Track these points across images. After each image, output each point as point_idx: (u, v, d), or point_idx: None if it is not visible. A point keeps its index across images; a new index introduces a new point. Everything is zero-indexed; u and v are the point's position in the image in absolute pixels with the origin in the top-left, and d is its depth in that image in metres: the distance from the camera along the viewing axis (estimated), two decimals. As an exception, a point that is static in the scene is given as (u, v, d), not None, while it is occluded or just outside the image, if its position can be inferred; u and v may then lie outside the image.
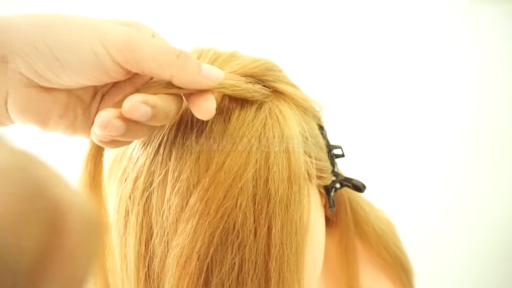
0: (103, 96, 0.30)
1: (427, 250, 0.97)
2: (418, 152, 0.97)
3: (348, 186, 0.39)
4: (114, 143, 0.28)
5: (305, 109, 0.36)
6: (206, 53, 0.35)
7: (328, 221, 0.46)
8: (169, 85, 0.27)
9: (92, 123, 0.28)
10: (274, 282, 0.29)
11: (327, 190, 0.37)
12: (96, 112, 0.29)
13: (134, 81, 0.30)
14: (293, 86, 0.37)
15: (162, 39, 0.28)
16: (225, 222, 0.28)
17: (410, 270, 0.50)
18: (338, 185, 0.38)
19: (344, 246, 0.46)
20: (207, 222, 0.28)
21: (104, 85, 0.30)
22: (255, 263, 0.29)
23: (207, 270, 0.28)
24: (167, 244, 0.29)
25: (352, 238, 0.46)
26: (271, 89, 0.34)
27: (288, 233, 0.30)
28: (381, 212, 0.53)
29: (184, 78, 0.26)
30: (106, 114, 0.25)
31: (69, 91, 0.28)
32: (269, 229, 0.29)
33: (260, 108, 0.32)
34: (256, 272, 0.29)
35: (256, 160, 0.30)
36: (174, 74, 0.26)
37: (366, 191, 0.38)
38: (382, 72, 0.95)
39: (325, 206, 0.39)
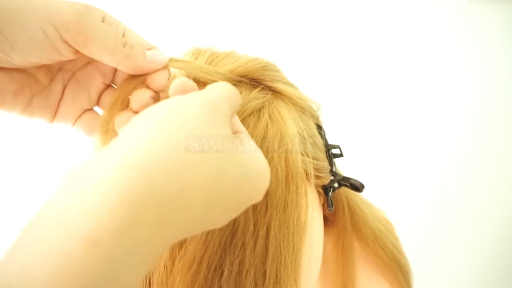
0: (69, 81, 0.32)
1: (426, 250, 0.97)
2: (417, 152, 0.97)
3: (346, 186, 0.38)
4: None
5: (303, 109, 0.36)
6: (203, 53, 0.35)
7: (326, 221, 0.46)
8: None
9: (53, 106, 0.31)
10: (271, 282, 0.29)
11: (325, 189, 0.37)
12: (61, 97, 0.31)
13: (98, 67, 0.32)
14: (291, 85, 0.37)
15: (112, 23, 0.29)
16: (232, 226, 0.29)
17: (408, 270, 0.50)
18: (336, 185, 0.38)
19: (341, 246, 0.45)
20: (217, 230, 0.28)
21: (65, 70, 0.31)
22: (254, 263, 0.29)
23: (214, 273, 0.29)
24: (176, 253, 0.29)
25: (349, 237, 0.45)
26: (267, 89, 0.34)
27: (285, 233, 0.30)
28: (380, 212, 0.53)
29: (130, 65, 0.28)
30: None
31: (23, 71, 0.29)
32: (268, 230, 0.29)
33: (260, 111, 0.32)
34: (254, 272, 0.29)
35: None
36: (121, 61, 0.28)
37: (364, 190, 0.38)
38: (381, 72, 0.95)
39: (323, 206, 0.39)
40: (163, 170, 0.19)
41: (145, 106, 0.28)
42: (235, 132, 0.26)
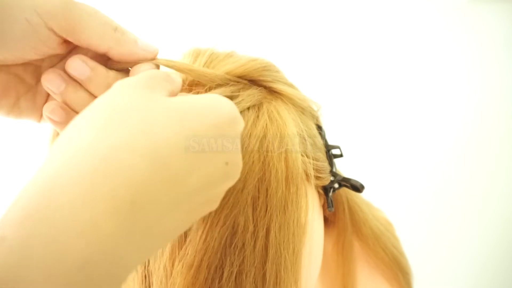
0: None
1: (426, 251, 0.97)
2: (417, 152, 0.97)
3: (347, 186, 0.38)
4: (61, 115, 0.28)
5: (302, 109, 0.36)
6: (203, 53, 0.35)
7: (326, 221, 0.46)
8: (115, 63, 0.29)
9: (39, 107, 0.30)
10: (271, 283, 0.29)
11: (326, 190, 0.37)
12: (47, 98, 0.30)
13: None
14: (291, 86, 0.37)
15: (97, 10, 0.28)
16: (232, 227, 0.29)
17: (408, 270, 0.50)
18: (336, 185, 0.38)
19: (341, 246, 0.45)
20: (217, 231, 0.28)
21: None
22: (254, 264, 0.29)
23: (214, 274, 0.29)
24: (175, 254, 0.29)
25: (349, 238, 0.45)
26: (267, 89, 0.34)
27: (285, 234, 0.30)
28: (380, 212, 0.53)
29: (121, 50, 0.27)
30: (51, 71, 0.27)
31: (7, 70, 0.28)
32: (268, 231, 0.29)
33: (259, 111, 0.32)
34: (254, 273, 0.29)
35: (258, 163, 0.29)
36: (112, 46, 0.27)
37: (364, 191, 0.38)
38: (381, 72, 0.95)
39: (323, 206, 0.39)
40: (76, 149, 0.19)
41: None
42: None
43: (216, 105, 0.23)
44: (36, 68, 0.30)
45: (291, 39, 0.94)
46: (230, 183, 0.24)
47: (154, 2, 0.93)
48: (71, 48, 0.28)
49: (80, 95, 0.28)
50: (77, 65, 0.27)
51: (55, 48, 0.27)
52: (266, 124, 0.31)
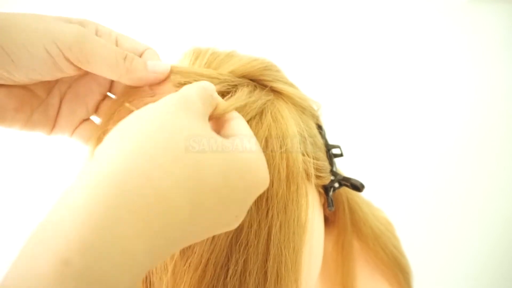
0: (65, 93, 0.32)
1: (426, 251, 0.97)
2: (418, 152, 0.97)
3: (347, 186, 0.39)
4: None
5: (303, 109, 0.36)
6: (204, 53, 0.35)
7: (327, 221, 0.46)
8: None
9: (51, 118, 0.31)
10: (272, 281, 0.29)
11: (326, 189, 0.37)
12: (59, 109, 0.32)
13: (94, 77, 0.33)
14: (291, 85, 0.37)
15: (105, 32, 0.30)
16: (237, 227, 0.29)
17: (408, 270, 0.50)
18: (336, 185, 0.38)
19: (341, 246, 0.45)
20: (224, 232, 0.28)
21: (62, 82, 0.32)
22: (256, 262, 0.29)
23: (220, 272, 0.29)
24: (180, 255, 0.29)
25: (349, 237, 0.46)
26: (270, 90, 0.34)
27: (286, 232, 0.30)
28: (380, 212, 0.53)
29: (132, 78, 0.29)
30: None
31: (23, 87, 0.30)
32: (269, 229, 0.29)
33: (262, 112, 0.32)
34: (256, 271, 0.29)
35: None
36: (123, 75, 0.29)
37: (365, 190, 0.38)
38: (381, 71, 0.95)
39: (323, 206, 0.39)
40: (134, 182, 0.19)
41: None
42: (230, 136, 0.26)
43: (258, 167, 0.25)
44: (47, 83, 0.31)
45: (291, 38, 0.94)
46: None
47: (154, 2, 0.93)
48: (84, 72, 0.29)
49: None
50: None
51: (70, 73, 0.28)
52: (270, 124, 0.31)
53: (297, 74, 0.44)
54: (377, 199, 0.55)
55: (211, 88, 0.27)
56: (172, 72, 0.30)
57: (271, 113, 0.32)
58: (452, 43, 0.94)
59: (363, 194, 0.48)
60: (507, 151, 0.96)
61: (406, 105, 0.96)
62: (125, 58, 0.28)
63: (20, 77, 0.27)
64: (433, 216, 0.99)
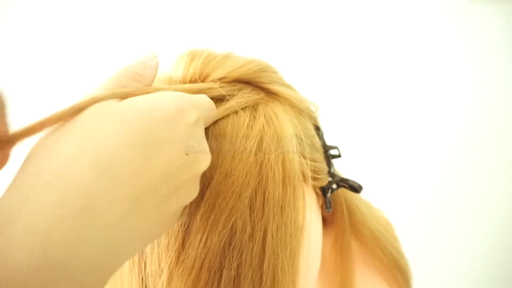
0: None
1: (426, 251, 0.97)
2: (417, 152, 0.97)
3: (345, 187, 0.38)
4: None
5: (300, 110, 0.36)
6: (200, 55, 0.35)
7: (325, 222, 0.46)
8: None
9: None
10: (267, 284, 0.29)
11: (324, 191, 0.37)
12: None
13: None
14: (288, 87, 0.37)
15: None
16: (230, 229, 0.29)
17: (408, 272, 0.50)
18: (334, 186, 0.38)
19: (340, 247, 0.45)
20: (217, 235, 0.28)
21: None
22: (251, 266, 0.29)
23: (214, 276, 0.29)
24: (175, 259, 0.29)
25: (348, 238, 0.45)
26: (264, 91, 0.34)
27: (282, 235, 0.30)
28: (379, 212, 0.53)
29: None
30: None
31: None
32: (265, 233, 0.29)
33: (256, 112, 0.32)
34: (252, 275, 0.29)
35: (255, 165, 0.29)
36: None
37: (364, 191, 0.38)
38: (380, 72, 0.95)
39: (321, 207, 0.39)
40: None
41: None
42: None
43: (156, 101, 0.24)
44: None
45: (289, 40, 0.94)
46: (200, 169, 0.25)
47: (153, 3, 0.93)
48: None
49: None
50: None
51: None
52: (263, 126, 0.31)
53: (294, 75, 0.43)
54: (376, 199, 0.55)
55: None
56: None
57: (264, 115, 0.32)
58: (452, 43, 0.93)
59: (362, 194, 0.48)
60: (507, 151, 0.96)
61: (405, 105, 0.96)
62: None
63: None
64: (433, 216, 0.99)
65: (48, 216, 0.18)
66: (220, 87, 0.31)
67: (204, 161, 0.26)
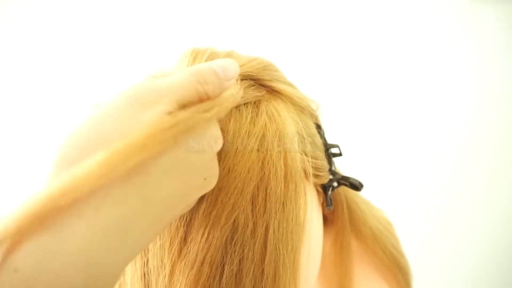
0: None
1: (426, 251, 0.97)
2: (417, 151, 0.97)
3: (346, 185, 0.39)
4: None
5: (302, 108, 0.36)
6: (202, 53, 0.35)
7: (326, 220, 0.46)
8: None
9: None
10: (269, 280, 0.29)
11: (325, 188, 0.37)
12: None
13: None
14: (290, 85, 0.37)
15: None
16: (232, 224, 0.29)
17: (408, 271, 0.50)
18: (335, 184, 0.38)
19: (339, 245, 0.45)
20: (219, 230, 0.28)
21: None
22: (253, 262, 0.29)
23: (216, 271, 0.29)
24: (177, 254, 0.29)
25: (348, 237, 0.45)
26: (267, 89, 0.34)
27: (284, 232, 0.30)
28: (380, 212, 0.53)
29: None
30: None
31: None
32: (266, 229, 0.29)
33: (258, 110, 0.32)
34: (253, 270, 0.29)
35: (257, 161, 0.30)
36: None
37: (364, 190, 0.38)
38: (380, 71, 0.95)
39: (322, 205, 0.39)
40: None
41: None
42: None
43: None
44: None
45: (290, 38, 0.95)
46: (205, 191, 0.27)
47: (154, 2, 0.93)
48: None
49: None
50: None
51: None
52: (266, 123, 0.31)
53: (296, 73, 0.44)
54: (376, 198, 0.55)
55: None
56: None
57: (266, 112, 0.32)
58: (452, 43, 0.94)
59: (362, 193, 0.48)
60: (507, 151, 0.96)
61: (406, 104, 0.96)
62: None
63: None
64: (433, 216, 0.99)
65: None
66: None
67: (212, 184, 0.28)
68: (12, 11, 0.88)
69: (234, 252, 0.29)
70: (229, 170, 0.29)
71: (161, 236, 0.30)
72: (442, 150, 0.97)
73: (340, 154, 0.40)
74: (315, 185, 0.36)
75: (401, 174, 0.98)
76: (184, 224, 0.29)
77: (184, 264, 0.29)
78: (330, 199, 0.37)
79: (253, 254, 0.29)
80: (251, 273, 0.29)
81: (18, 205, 0.18)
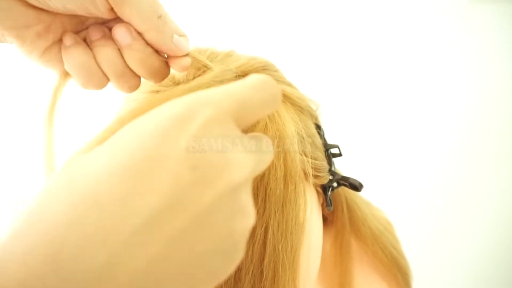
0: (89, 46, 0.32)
1: (426, 251, 0.97)
2: (417, 151, 0.97)
3: (345, 185, 0.38)
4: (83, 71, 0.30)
5: (301, 108, 0.36)
6: (203, 53, 0.35)
7: (325, 220, 0.46)
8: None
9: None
10: (268, 281, 0.29)
11: (324, 189, 0.37)
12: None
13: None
14: (290, 85, 0.37)
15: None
16: None
17: (407, 271, 0.50)
18: (335, 184, 0.38)
19: (339, 246, 0.45)
20: None
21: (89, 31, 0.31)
22: (252, 262, 0.29)
23: None
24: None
25: (347, 237, 0.45)
26: None
27: (283, 232, 0.30)
28: (380, 212, 0.53)
29: (156, 37, 0.29)
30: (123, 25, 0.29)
31: (54, 15, 0.29)
32: (266, 229, 0.29)
33: None
34: (252, 270, 0.29)
35: None
36: (149, 30, 0.28)
37: (364, 190, 0.38)
38: (381, 71, 0.95)
39: (322, 205, 0.39)
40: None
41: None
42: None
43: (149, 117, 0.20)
44: (79, 22, 0.31)
45: (290, 38, 0.94)
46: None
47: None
48: (116, 17, 0.29)
49: (113, 55, 0.30)
50: (121, 31, 0.29)
51: (103, 12, 0.28)
52: (266, 124, 0.31)
53: (296, 73, 0.44)
54: (376, 199, 0.55)
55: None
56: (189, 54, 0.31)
57: (268, 115, 0.32)
58: (452, 43, 0.94)
59: (362, 194, 0.48)
60: (507, 151, 0.96)
61: (406, 105, 0.96)
62: (159, 17, 0.28)
63: (56, 4, 0.27)
64: (433, 216, 0.99)
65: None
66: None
67: (241, 168, 0.19)
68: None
69: None
70: None
71: None
72: (442, 150, 0.97)
73: (340, 155, 0.40)
74: (315, 185, 0.36)
75: (401, 174, 0.98)
76: None
77: None
78: (330, 199, 0.37)
79: (252, 254, 0.29)
80: (250, 273, 0.29)
81: None
